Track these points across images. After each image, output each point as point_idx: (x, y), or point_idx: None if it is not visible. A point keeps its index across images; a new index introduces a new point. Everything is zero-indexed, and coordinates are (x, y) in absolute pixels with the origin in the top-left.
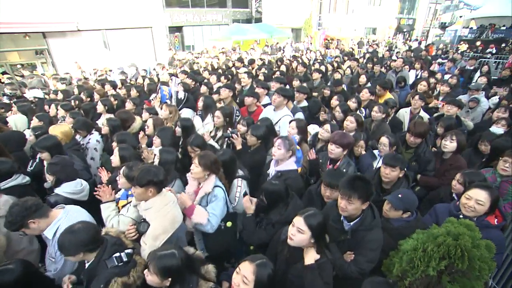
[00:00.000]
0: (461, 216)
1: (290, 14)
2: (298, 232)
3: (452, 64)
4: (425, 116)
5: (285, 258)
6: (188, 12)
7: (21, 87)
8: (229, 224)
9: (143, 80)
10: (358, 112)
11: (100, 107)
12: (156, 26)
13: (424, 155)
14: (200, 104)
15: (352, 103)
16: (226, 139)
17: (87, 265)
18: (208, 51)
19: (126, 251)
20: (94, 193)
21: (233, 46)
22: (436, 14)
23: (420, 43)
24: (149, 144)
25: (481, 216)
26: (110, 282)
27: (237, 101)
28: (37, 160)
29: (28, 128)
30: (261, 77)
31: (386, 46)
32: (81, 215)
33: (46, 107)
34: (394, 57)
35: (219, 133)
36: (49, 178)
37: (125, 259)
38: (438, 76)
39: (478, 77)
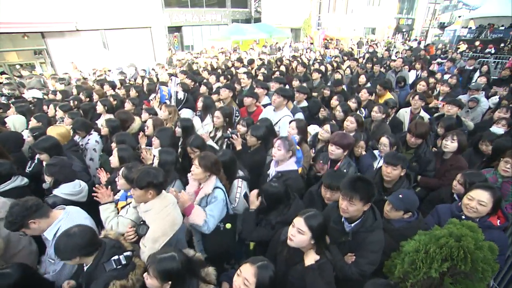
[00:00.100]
0: (463, 217)
1: (290, 14)
2: (298, 233)
3: (452, 64)
4: (425, 116)
5: (284, 259)
6: (187, 12)
7: (20, 87)
8: (228, 226)
9: (142, 80)
10: (358, 112)
11: (99, 108)
12: (155, 26)
13: (425, 155)
14: (199, 104)
15: (352, 104)
16: (226, 139)
17: (85, 268)
18: (207, 51)
19: (125, 253)
20: (93, 194)
21: (234, 46)
22: (435, 14)
23: (419, 43)
24: (149, 145)
25: (483, 217)
26: (108, 286)
27: (237, 101)
28: (36, 161)
29: (27, 128)
30: (260, 77)
31: (385, 46)
32: (81, 216)
33: (45, 107)
34: (393, 57)
35: (219, 134)
36: (48, 179)
37: (123, 261)
38: (438, 76)
39: (478, 77)
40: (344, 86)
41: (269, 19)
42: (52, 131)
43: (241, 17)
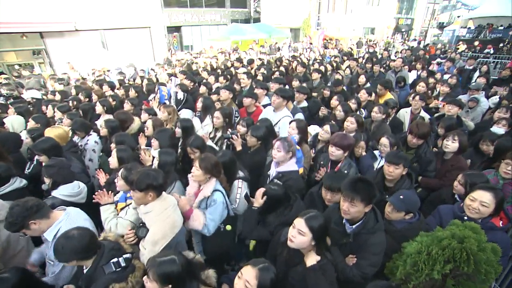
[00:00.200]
0: (465, 217)
1: (289, 14)
2: (299, 234)
3: (451, 64)
4: (426, 116)
5: (284, 260)
6: (186, 12)
7: (18, 87)
8: (228, 227)
9: (142, 81)
10: (358, 112)
11: (98, 108)
12: (155, 26)
13: (425, 155)
14: (199, 105)
15: (352, 104)
16: (226, 140)
17: (85, 271)
18: (206, 51)
19: (125, 256)
20: (93, 196)
21: (234, 46)
22: (434, 14)
23: (419, 43)
24: (149, 145)
25: (485, 218)
26: None
27: (236, 102)
28: (35, 162)
29: (26, 129)
30: (260, 77)
31: (383, 46)
32: (81, 217)
33: (44, 107)
34: (392, 57)
35: (218, 134)
36: (46, 181)
37: (123, 264)
38: (438, 76)
39: (477, 77)
40: (344, 87)
41: (269, 19)
42: (50, 133)
43: (240, 17)
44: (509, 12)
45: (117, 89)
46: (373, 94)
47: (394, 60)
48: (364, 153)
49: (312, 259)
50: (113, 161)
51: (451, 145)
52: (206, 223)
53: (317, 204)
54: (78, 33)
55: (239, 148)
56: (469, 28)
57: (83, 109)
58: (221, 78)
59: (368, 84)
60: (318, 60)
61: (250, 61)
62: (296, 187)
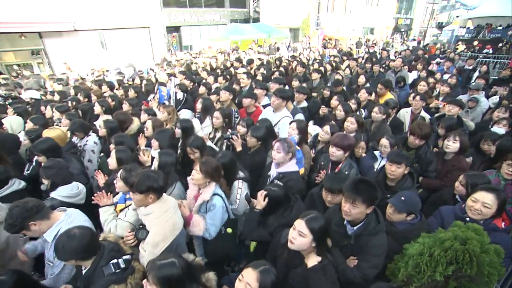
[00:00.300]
0: (467, 218)
1: (288, 14)
2: (299, 235)
3: (451, 64)
4: (426, 116)
5: (285, 261)
6: (185, 12)
7: (17, 87)
8: (229, 230)
9: (141, 81)
10: (357, 113)
11: (97, 108)
12: (154, 26)
13: (425, 156)
14: (198, 106)
15: (351, 104)
16: (226, 141)
17: (84, 271)
18: (205, 51)
19: (124, 257)
20: (92, 197)
21: (234, 46)
22: (433, 14)
23: (419, 43)
24: (148, 146)
25: (488, 219)
26: None
27: (236, 102)
28: (34, 163)
29: (24, 130)
30: (259, 78)
31: (382, 46)
32: (81, 219)
33: (43, 108)
34: (391, 57)
35: (218, 134)
36: (45, 182)
37: (122, 265)
38: (437, 76)
39: (476, 78)
40: (343, 87)
41: (268, 19)
42: (48, 134)
43: (239, 17)
44: (507, 12)
45: (116, 89)
46: (373, 94)
47: (393, 60)
48: (364, 154)
49: (313, 260)
50: (112, 162)
51: (452, 145)
52: (207, 228)
53: (318, 205)
54: (77, 33)
55: (239, 148)
56: (468, 28)
57: (82, 109)
58: (220, 79)
59: (368, 84)
60: (317, 60)
61: (250, 61)
62: (297, 188)
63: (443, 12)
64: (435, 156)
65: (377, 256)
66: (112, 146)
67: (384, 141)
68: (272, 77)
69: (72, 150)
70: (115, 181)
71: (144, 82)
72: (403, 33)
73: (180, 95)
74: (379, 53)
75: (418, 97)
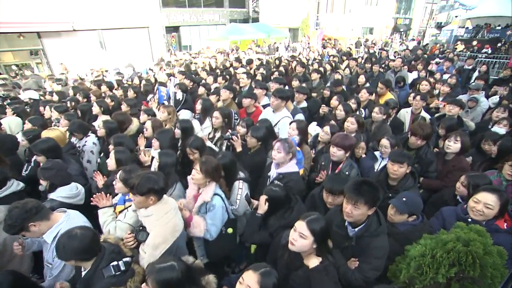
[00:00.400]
0: (469, 219)
1: (288, 14)
2: (300, 237)
3: (451, 64)
4: (426, 116)
5: (285, 263)
6: (185, 12)
7: (15, 88)
8: (230, 230)
9: (140, 81)
10: (357, 112)
11: (95, 109)
12: (153, 26)
13: (426, 156)
14: (198, 107)
15: (351, 104)
16: (226, 141)
17: (83, 273)
18: (204, 51)
19: (124, 259)
20: (91, 198)
21: (232, 47)
22: (432, 14)
23: (419, 43)
24: (148, 147)
25: (490, 220)
26: None
27: (236, 102)
28: (32, 163)
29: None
30: (259, 78)
31: (381, 46)
32: (81, 220)
33: (41, 108)
34: (391, 57)
35: (218, 135)
36: (43, 183)
37: (122, 268)
38: (437, 76)
39: (476, 78)
40: (343, 87)
41: (267, 19)
42: (48, 135)
43: (239, 17)
44: (506, 12)
45: (115, 89)
46: (374, 94)
47: (393, 60)
48: (364, 155)
49: (314, 261)
50: (111, 163)
51: (453, 145)
52: (207, 229)
53: (319, 206)
54: (76, 33)
55: (239, 149)
56: (467, 28)
57: (82, 109)
58: (219, 79)
59: (368, 84)
60: (317, 60)
61: (249, 61)
62: (297, 189)
63: (442, 12)
64: (435, 157)
65: (378, 258)
66: (111, 147)
67: (384, 142)
68: (272, 77)
69: (71, 151)
70: (114, 182)
71: (144, 82)
72: (402, 33)
73: (179, 95)
74: (378, 53)
75: (418, 97)
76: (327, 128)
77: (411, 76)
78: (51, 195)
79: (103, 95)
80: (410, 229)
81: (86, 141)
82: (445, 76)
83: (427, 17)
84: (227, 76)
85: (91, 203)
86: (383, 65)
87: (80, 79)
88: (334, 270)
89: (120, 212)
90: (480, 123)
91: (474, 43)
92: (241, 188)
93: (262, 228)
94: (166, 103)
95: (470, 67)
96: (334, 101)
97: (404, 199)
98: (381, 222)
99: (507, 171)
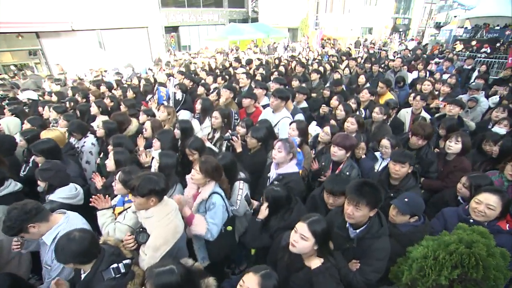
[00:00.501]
0: (471, 220)
1: (287, 14)
2: (301, 239)
3: (450, 64)
4: (426, 116)
5: (285, 264)
6: (184, 12)
7: (14, 88)
8: (229, 228)
9: (139, 81)
10: (357, 113)
11: (94, 109)
12: (152, 26)
13: (426, 156)
14: (197, 107)
15: (351, 104)
16: (226, 141)
17: (83, 276)
18: (203, 51)
19: (124, 261)
20: (90, 199)
21: (231, 47)
22: (431, 14)
23: (419, 43)
24: (147, 147)
25: (492, 221)
26: None
27: (235, 102)
28: (31, 164)
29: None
30: (258, 78)
31: (380, 46)
32: (80, 222)
33: (40, 108)
34: (390, 57)
35: (217, 135)
36: (41, 184)
37: (122, 270)
38: (437, 76)
39: (475, 78)
40: (343, 86)
41: (267, 19)
42: (47, 135)
43: (238, 17)
44: (505, 12)
45: (114, 89)
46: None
47: (393, 60)
48: (364, 156)
49: (316, 262)
50: (110, 163)
51: (454, 146)
52: (208, 228)
53: (320, 207)
54: (75, 33)
55: (239, 149)
56: (466, 28)
57: (81, 110)
58: (219, 79)
59: (368, 84)
60: (317, 60)
61: (249, 61)
62: (297, 189)
63: (441, 12)
64: (436, 157)
65: (379, 260)
66: (110, 147)
67: (385, 142)
68: (272, 77)
69: (70, 152)
70: (113, 184)
71: (143, 82)
72: (401, 33)
73: (179, 96)
74: (377, 53)
75: (418, 97)
76: (327, 129)
77: (411, 76)
78: (51, 197)
79: (102, 95)
80: (412, 230)
81: (85, 142)
82: (445, 76)
83: (426, 17)
84: (227, 76)
85: (90, 204)
86: (382, 65)
87: (79, 79)
88: (336, 271)
89: (119, 213)
90: (480, 123)
91: (473, 43)
92: (241, 189)
93: (262, 230)
94: (165, 103)
95: (469, 67)
96: (334, 101)
97: (406, 199)
98: (383, 223)
99: (509, 172)
